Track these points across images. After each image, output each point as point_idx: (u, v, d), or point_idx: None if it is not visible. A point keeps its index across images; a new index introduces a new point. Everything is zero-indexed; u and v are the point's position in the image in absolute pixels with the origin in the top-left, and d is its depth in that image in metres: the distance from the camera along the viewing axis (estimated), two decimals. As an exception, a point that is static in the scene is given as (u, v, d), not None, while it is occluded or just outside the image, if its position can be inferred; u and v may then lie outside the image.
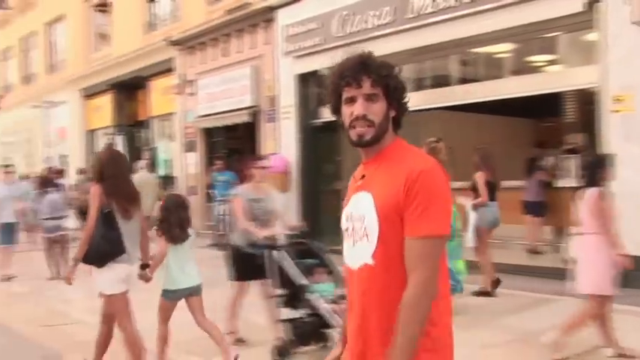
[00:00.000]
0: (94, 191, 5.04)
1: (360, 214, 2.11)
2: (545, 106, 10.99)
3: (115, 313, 5.09)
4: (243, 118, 13.85)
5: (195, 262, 5.40)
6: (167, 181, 17.35)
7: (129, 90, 19.44)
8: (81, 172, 16.21)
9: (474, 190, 8.19)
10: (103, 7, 20.98)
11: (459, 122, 12.32)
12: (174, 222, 5.19)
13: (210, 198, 14.51)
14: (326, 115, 12.52)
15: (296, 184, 12.71)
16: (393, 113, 2.16)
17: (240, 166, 5.92)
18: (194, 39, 15.39)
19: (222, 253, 11.76)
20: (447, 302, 2.12)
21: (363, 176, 2.18)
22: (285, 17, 12.90)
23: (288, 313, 5.43)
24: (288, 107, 12.90)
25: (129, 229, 5.05)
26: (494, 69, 11.44)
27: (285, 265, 5.33)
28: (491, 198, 8.10)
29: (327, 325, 5.03)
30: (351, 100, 2.11)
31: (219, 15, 14.69)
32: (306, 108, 12.78)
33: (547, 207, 10.62)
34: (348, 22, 11.41)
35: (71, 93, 21.72)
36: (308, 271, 5.33)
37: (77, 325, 6.18)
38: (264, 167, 6.14)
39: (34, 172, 18.06)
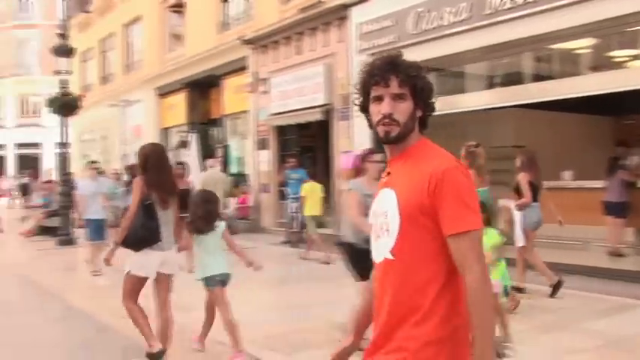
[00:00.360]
0: (137, 182, 5.53)
1: (383, 211, 2.20)
2: (626, 102, 10.63)
3: (124, 289, 5.48)
4: (316, 116, 13.92)
5: (225, 254, 5.78)
6: (239, 178, 17.64)
7: (202, 88, 19.82)
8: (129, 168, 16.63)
9: (517, 191, 8.17)
10: (177, 8, 21.45)
11: (534, 120, 12.05)
12: (199, 215, 5.61)
13: (282, 195, 14.66)
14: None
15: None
16: (419, 113, 2.22)
17: (357, 160, 5.67)
18: (267, 38, 15.55)
19: (294, 251, 11.99)
20: (463, 304, 2.12)
21: (389, 173, 2.26)
22: (358, 15, 12.90)
23: None
24: (362, 105, 12.88)
25: (165, 219, 5.49)
26: (572, 65, 11.15)
27: None
28: (534, 199, 8.07)
29: None
30: (379, 99, 2.17)
31: (292, 14, 14.82)
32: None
33: (630, 208, 10.26)
34: (424, 19, 11.31)
35: (146, 92, 22.31)
36: None
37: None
38: (380, 162, 5.64)
39: (112, 169, 18.59)
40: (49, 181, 19.51)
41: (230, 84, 18.07)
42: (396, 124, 2.15)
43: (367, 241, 4.74)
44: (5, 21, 46.15)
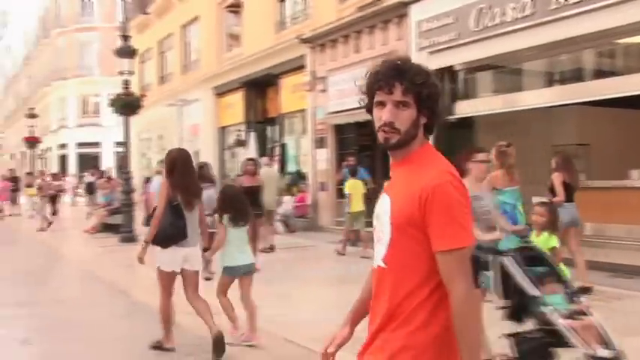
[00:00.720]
0: (163, 184, 6.04)
1: (380, 216, 2.19)
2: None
3: (160, 285, 5.94)
4: (374, 114, 13.84)
5: (247, 245, 6.25)
6: (297, 177, 17.71)
7: (259, 87, 19.96)
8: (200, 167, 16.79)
9: (552, 190, 8.25)
10: (234, 8, 21.65)
11: (597, 118, 11.75)
12: (229, 209, 6.16)
13: (340, 194, 14.63)
14: (462, 111, 12.31)
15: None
16: (423, 120, 2.17)
17: (459, 160, 5.35)
18: (325, 36, 15.55)
19: (353, 249, 11.94)
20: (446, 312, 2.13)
21: (390, 178, 2.26)
22: (418, 12, 12.77)
23: (511, 326, 4.77)
24: (422, 103, 12.75)
25: (190, 219, 5.92)
26: (638, 61, 10.80)
27: (513, 273, 4.72)
28: (569, 199, 8.19)
29: (559, 344, 4.35)
30: (382, 104, 2.13)
31: (350, 12, 14.78)
32: (441, 104, 12.56)
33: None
34: (486, 15, 11.11)
35: (204, 91, 22.59)
36: (539, 281, 4.67)
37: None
38: (484, 161, 5.47)
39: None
40: (111, 180, 19.92)
41: (287, 83, 18.14)
42: (396, 132, 2.12)
43: (476, 248, 4.35)
44: (69, 25, 47.41)
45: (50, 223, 19.13)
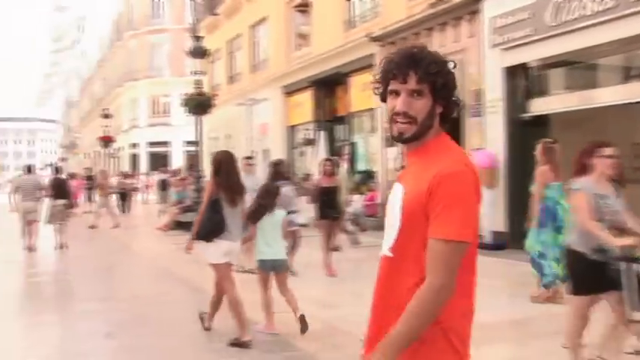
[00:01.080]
0: (208, 183, 6.63)
1: (391, 205, 2.14)
2: None
3: (219, 278, 6.34)
4: (444, 112, 13.65)
5: (281, 240, 6.59)
6: (367, 176, 17.65)
7: (328, 86, 19.99)
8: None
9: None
10: (303, 8, 21.76)
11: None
12: (256, 205, 6.55)
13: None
14: (536, 108, 12.01)
15: (503, 180, 12.30)
16: (439, 110, 2.12)
17: (581, 155, 5.00)
18: (395, 34, 15.43)
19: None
20: (465, 303, 2.10)
21: (403, 167, 2.27)
22: (491, 8, 12.51)
23: None
24: (495, 101, 12.51)
25: (233, 215, 6.32)
26: None
27: None
28: None
29: None
30: (396, 93, 2.09)
31: (421, 9, 14.61)
32: (514, 102, 12.32)
33: None
34: (564, 9, 10.78)
35: (273, 90, 22.77)
36: None
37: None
38: (610, 156, 4.98)
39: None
40: (184, 178, 20.37)
41: (356, 81, 18.09)
42: (411, 122, 2.07)
43: (598, 250, 4.36)
44: (140, 28, 48.66)
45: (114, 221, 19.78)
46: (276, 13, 22.88)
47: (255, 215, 6.52)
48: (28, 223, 14.11)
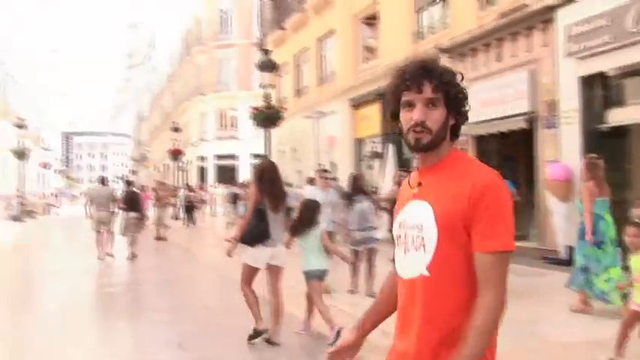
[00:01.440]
0: (252, 190, 7.02)
1: (415, 223, 2.08)
2: None
3: (242, 276, 6.93)
4: (518, 124, 13.30)
5: (320, 253, 6.98)
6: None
7: (396, 99, 19.80)
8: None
9: None
10: (370, 20, 21.72)
11: None
12: (296, 220, 7.02)
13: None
14: (614, 119, 11.57)
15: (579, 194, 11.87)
16: (452, 121, 2.12)
17: None
18: (465, 45, 15.18)
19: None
20: None
21: (420, 184, 2.13)
22: (566, 16, 12.15)
23: None
24: (570, 112, 12.11)
25: (276, 221, 6.81)
26: None
27: None
28: None
29: None
30: (410, 105, 2.08)
31: (491, 19, 14.34)
32: (591, 112, 11.90)
33: None
34: (646, 15, 10.38)
35: (340, 103, 22.75)
36: None
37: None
38: None
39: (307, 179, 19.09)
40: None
41: (424, 94, 17.89)
42: (427, 132, 2.06)
43: None
44: (208, 43, 49.64)
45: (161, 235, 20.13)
46: (344, 26, 22.90)
47: (296, 230, 6.96)
48: (102, 233, 14.79)
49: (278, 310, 6.90)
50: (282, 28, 28.63)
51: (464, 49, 15.25)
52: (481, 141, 15.13)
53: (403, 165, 18.31)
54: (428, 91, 2.06)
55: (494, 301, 1.93)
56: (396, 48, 18.82)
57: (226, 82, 49.25)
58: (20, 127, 35.58)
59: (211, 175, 47.90)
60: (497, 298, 1.93)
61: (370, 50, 22.12)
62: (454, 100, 2.10)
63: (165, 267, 13.81)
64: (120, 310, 9.22)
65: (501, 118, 13.85)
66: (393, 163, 17.62)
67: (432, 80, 2.06)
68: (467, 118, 2.18)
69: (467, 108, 2.17)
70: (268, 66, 15.75)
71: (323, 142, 24.05)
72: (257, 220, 6.69)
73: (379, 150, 20.11)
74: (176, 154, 33.23)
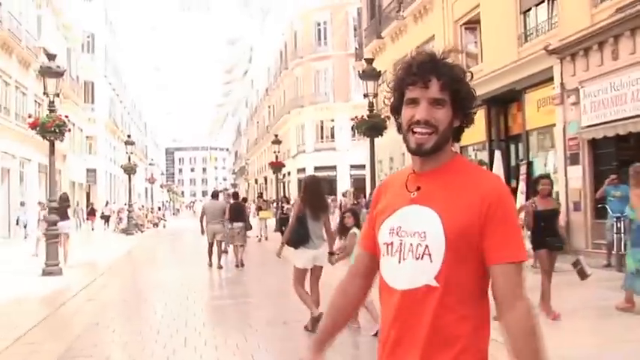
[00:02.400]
0: (296, 201, 8.86)
1: (416, 230, 1.92)
2: None
3: (293, 277, 8.12)
4: (638, 126, 12.52)
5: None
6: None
7: (501, 104, 19.21)
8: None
9: None
10: (471, 25, 21.22)
11: None
12: (340, 224, 8.41)
13: (599, 214, 13.43)
14: None
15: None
16: (456, 123, 1.97)
17: None
18: (576, 45, 14.46)
19: (620, 275, 10.76)
20: (487, 330, 1.96)
21: (419, 188, 1.97)
22: (692, 9, 11.36)
23: None
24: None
25: (316, 227, 8.06)
26: None
27: None
28: None
29: None
30: (413, 102, 1.93)
31: (606, 16, 13.59)
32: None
33: None
34: None
35: (442, 111, 22.26)
36: None
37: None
38: None
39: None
40: (355, 203, 20.59)
41: (532, 97, 17.24)
42: (431, 133, 1.91)
43: None
44: (305, 55, 50.19)
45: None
46: (444, 32, 22.47)
47: (342, 232, 8.15)
48: (217, 243, 16.25)
49: (317, 302, 7.97)
50: (380, 37, 28.46)
51: (575, 49, 14.55)
52: (595, 145, 14.37)
53: (510, 172, 17.74)
54: (434, 89, 1.91)
55: (530, 310, 1.87)
56: (500, 52, 18.26)
57: (324, 93, 49.57)
58: (129, 144, 37.05)
59: (310, 187, 48.18)
60: (530, 306, 1.87)
61: (471, 55, 21.59)
62: (462, 100, 1.96)
63: (271, 278, 13.82)
64: (231, 323, 9.19)
65: (618, 120, 13.09)
66: (500, 170, 17.02)
67: (440, 77, 1.91)
68: (472, 122, 2.03)
69: (474, 110, 2.02)
70: (371, 75, 15.57)
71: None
72: (297, 226, 8.07)
73: (483, 158, 19.53)
74: (277, 167, 33.56)
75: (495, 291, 1.89)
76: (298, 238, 7.97)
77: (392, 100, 2.06)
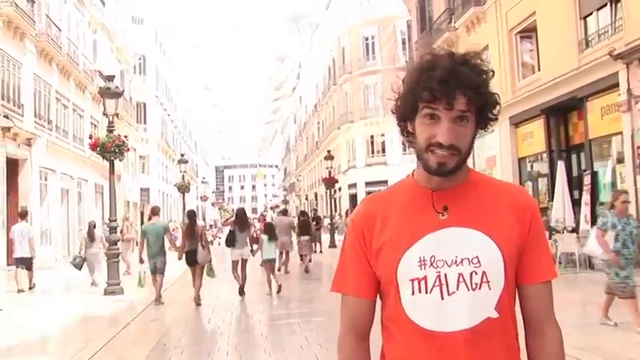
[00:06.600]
0: (230, 221, 16.36)
1: (463, 257, 1.64)
2: None
3: (232, 266, 14.19)
4: None
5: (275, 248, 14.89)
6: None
7: (561, 113, 18.68)
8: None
9: None
10: (527, 33, 20.78)
11: None
12: (269, 233, 14.92)
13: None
14: None
15: None
16: (477, 133, 1.72)
17: None
18: (644, 49, 13.95)
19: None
20: None
21: (445, 208, 1.68)
22: None
23: None
24: None
25: (242, 237, 14.00)
26: None
27: None
28: None
29: None
30: (432, 117, 1.63)
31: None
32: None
33: None
34: None
35: (500, 121, 21.27)
36: None
37: None
38: None
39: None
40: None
41: (594, 105, 16.69)
42: (455, 155, 1.63)
43: None
44: (354, 71, 50.17)
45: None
46: (499, 41, 22.05)
47: (256, 240, 14.40)
48: (283, 254, 18.49)
49: (244, 279, 14.00)
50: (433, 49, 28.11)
51: (644, 52, 14.01)
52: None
53: (573, 183, 17.21)
54: (460, 104, 1.61)
55: (560, 333, 1.75)
56: (559, 59, 17.78)
57: (373, 108, 49.41)
58: (182, 162, 37.45)
59: (362, 202, 47.88)
60: (559, 329, 1.76)
61: (528, 64, 21.12)
62: (488, 108, 1.70)
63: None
64: (299, 342, 9.00)
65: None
66: (564, 181, 16.51)
67: (465, 91, 1.61)
68: (490, 126, 1.77)
69: (496, 114, 1.74)
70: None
71: (482, 163, 23.20)
72: (230, 236, 14.15)
73: (542, 170, 18.98)
74: (330, 183, 33.42)
75: (530, 310, 1.74)
76: (229, 242, 14.09)
77: (399, 101, 1.76)
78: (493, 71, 1.75)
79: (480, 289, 1.64)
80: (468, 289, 1.64)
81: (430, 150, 1.64)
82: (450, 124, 1.62)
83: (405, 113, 1.74)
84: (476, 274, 1.64)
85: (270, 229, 14.95)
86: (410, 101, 1.70)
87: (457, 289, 1.64)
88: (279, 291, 14.05)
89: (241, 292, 13.69)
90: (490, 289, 1.65)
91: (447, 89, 1.60)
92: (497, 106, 1.74)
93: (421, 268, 1.66)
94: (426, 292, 1.66)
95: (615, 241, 8.19)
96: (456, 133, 1.63)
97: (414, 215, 1.72)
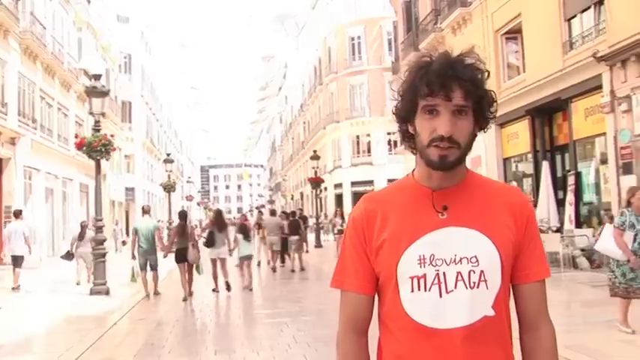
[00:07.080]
0: (207, 224, 16.65)
1: (462, 256, 1.68)
2: None
3: (211, 265, 14.45)
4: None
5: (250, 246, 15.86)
6: (597, 207, 16.25)
7: (545, 114, 18.86)
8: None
9: None
10: (513, 34, 20.93)
11: None
12: (241, 232, 15.70)
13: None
14: None
15: None
16: (476, 130, 1.76)
17: None
18: (627, 51, 14.08)
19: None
20: None
21: (445, 207, 1.72)
22: None
23: None
24: None
25: (220, 236, 14.37)
26: None
27: None
28: None
29: None
30: (431, 112, 1.67)
31: (657, 21, 13.22)
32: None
33: None
34: None
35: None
36: None
37: None
38: None
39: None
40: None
41: (579, 106, 16.86)
42: (455, 147, 1.67)
43: None
44: (339, 71, 50.27)
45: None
46: (484, 42, 22.17)
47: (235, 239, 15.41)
48: (274, 251, 19.85)
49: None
50: (418, 50, 28.24)
51: (626, 54, 14.17)
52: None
53: (557, 183, 17.35)
54: (458, 97, 1.66)
55: (553, 329, 1.79)
56: (544, 61, 17.95)
57: (358, 108, 49.53)
58: (168, 162, 37.33)
59: (348, 202, 48.01)
60: (552, 327, 1.80)
61: (513, 65, 21.28)
62: (485, 105, 1.73)
63: (311, 294, 13.67)
64: (291, 340, 9.03)
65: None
66: (549, 181, 16.67)
67: (462, 83, 1.66)
68: (489, 126, 1.80)
69: (494, 114, 1.78)
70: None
71: (467, 163, 23.27)
72: (208, 236, 14.52)
73: (527, 170, 19.13)
74: (316, 182, 33.46)
75: (525, 309, 1.79)
76: (208, 243, 14.46)
77: (399, 105, 1.79)
78: (489, 71, 1.80)
79: (477, 287, 1.68)
80: (466, 288, 1.68)
81: (433, 145, 1.68)
82: (449, 116, 1.67)
83: (406, 113, 1.76)
84: (474, 273, 1.68)
85: (244, 230, 15.57)
86: (409, 99, 1.73)
87: (455, 288, 1.68)
88: (249, 287, 14.80)
89: (217, 290, 14.26)
90: (487, 287, 1.69)
91: (444, 81, 1.65)
92: (495, 104, 1.78)
93: (421, 266, 1.70)
94: (425, 290, 1.69)
95: (633, 241, 7.80)
96: (455, 126, 1.67)
97: (415, 214, 1.75)
